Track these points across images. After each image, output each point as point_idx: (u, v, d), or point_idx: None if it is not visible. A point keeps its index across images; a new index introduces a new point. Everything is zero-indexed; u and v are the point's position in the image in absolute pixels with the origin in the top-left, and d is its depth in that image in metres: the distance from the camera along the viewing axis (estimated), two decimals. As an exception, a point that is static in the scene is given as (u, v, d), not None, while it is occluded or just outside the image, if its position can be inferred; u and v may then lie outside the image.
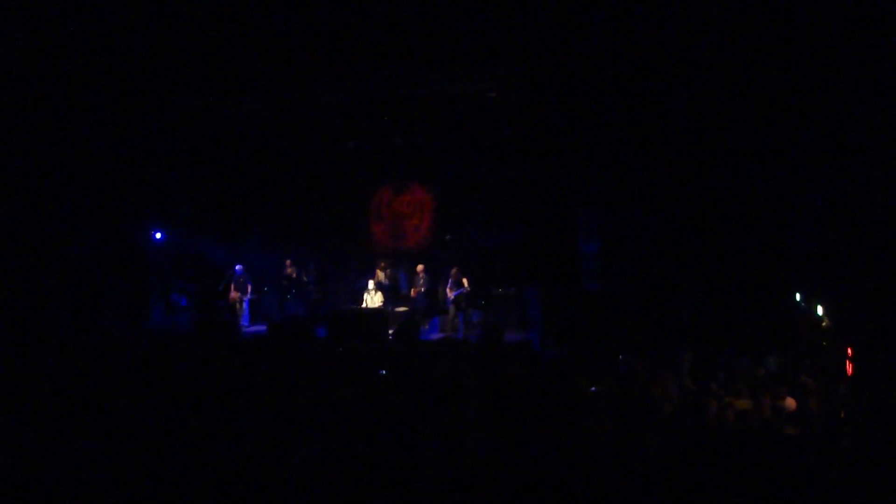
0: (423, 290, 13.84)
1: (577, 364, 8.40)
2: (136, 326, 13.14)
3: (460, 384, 5.59)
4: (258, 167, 15.41)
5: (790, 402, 6.81)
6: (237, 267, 14.11)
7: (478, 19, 10.17)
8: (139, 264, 14.36)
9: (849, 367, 7.45)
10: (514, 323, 13.38)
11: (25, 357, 7.66)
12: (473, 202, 14.65)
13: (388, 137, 14.38)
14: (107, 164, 13.15)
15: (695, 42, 9.65)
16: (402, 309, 13.40)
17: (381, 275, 14.22)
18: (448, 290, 13.22)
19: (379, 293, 13.36)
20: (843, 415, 6.80)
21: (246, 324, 14.08)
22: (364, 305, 13.26)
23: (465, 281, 13.03)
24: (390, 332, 12.22)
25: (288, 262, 14.82)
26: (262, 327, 13.50)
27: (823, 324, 8.81)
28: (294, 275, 14.75)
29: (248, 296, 14.18)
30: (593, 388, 6.73)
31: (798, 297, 9.88)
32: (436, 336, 13.02)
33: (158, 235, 14.86)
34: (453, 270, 13.21)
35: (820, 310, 8.97)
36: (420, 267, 13.98)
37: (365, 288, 13.53)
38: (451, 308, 13.18)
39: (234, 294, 13.94)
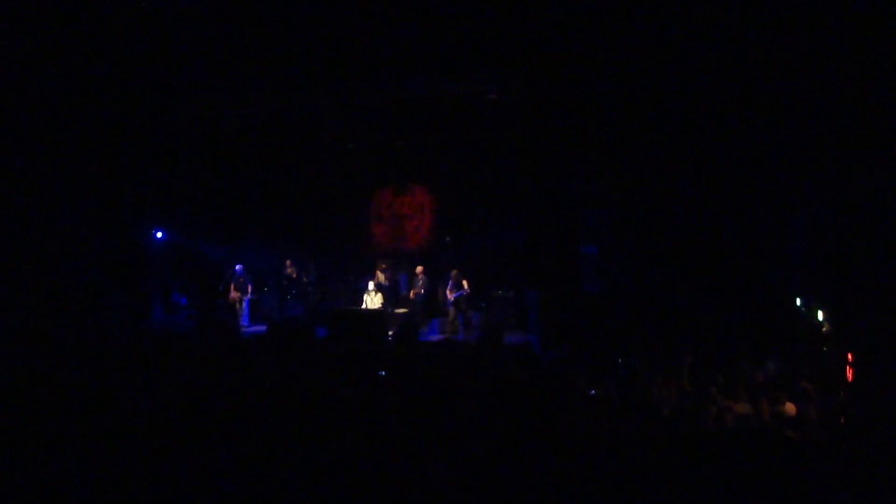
0: (422, 291, 13.85)
1: (576, 366, 8.41)
2: (135, 326, 13.13)
3: (460, 385, 5.59)
4: (259, 167, 15.43)
5: (790, 408, 6.80)
6: (237, 267, 14.11)
7: (479, 21, 10.18)
8: (139, 264, 14.37)
9: (849, 373, 7.45)
10: (514, 325, 13.38)
11: (25, 356, 7.66)
12: (474, 204, 14.66)
13: (388, 139, 14.40)
14: (107, 163, 13.16)
15: (695, 45, 9.65)
16: (401, 310, 13.41)
17: (381, 276, 14.23)
18: (448, 291, 13.22)
19: (379, 294, 13.36)
20: (842, 420, 6.79)
21: (246, 324, 14.08)
22: (364, 306, 13.26)
23: (464, 283, 13.03)
24: (390, 333, 12.23)
25: (288, 262, 14.83)
26: (262, 327, 13.50)
27: (824, 329, 8.80)
28: (294, 275, 14.76)
29: (248, 296, 14.19)
30: (593, 391, 6.73)
31: (798, 301, 9.87)
32: (435, 337, 13.01)
33: (159, 235, 14.88)
34: (453, 272, 13.21)
35: (820, 315, 8.97)
36: (419, 268, 13.99)
37: (365, 289, 13.53)
38: (451, 310, 13.17)
39: (233, 294, 13.94)
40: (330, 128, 14.22)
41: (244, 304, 14.15)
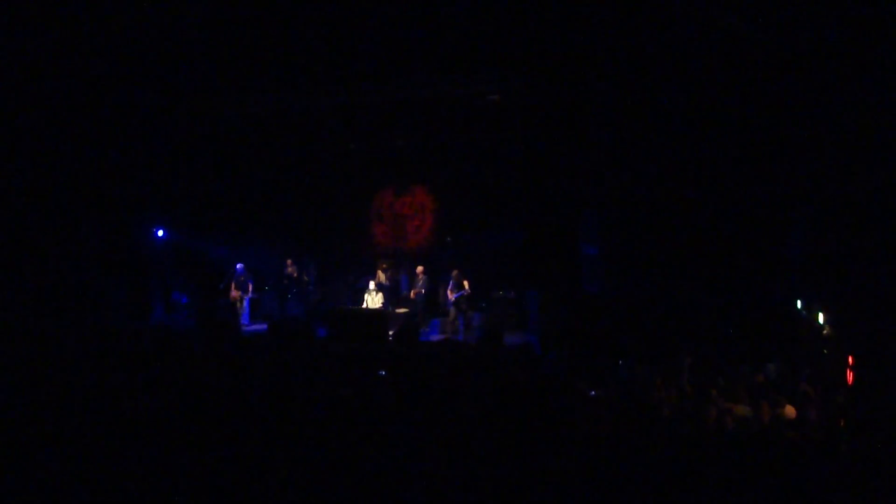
0: (422, 291, 13.86)
1: (576, 367, 8.40)
2: (136, 324, 13.13)
3: (460, 386, 5.59)
4: (260, 167, 15.44)
5: (790, 410, 6.80)
6: (238, 266, 14.12)
7: (480, 22, 10.19)
8: (140, 262, 14.37)
9: (849, 376, 7.45)
10: (515, 325, 13.39)
11: (26, 355, 7.66)
12: (474, 204, 14.67)
13: (389, 139, 14.41)
14: (108, 162, 13.16)
15: (696, 45, 9.65)
16: (402, 310, 13.42)
17: (381, 276, 14.24)
18: (449, 292, 13.23)
19: (379, 294, 13.37)
20: (842, 423, 6.79)
21: (246, 322, 14.09)
22: (364, 306, 13.27)
23: (465, 283, 13.03)
24: (390, 332, 12.23)
25: (289, 261, 14.84)
26: (263, 326, 13.50)
27: (824, 332, 8.80)
28: (295, 274, 14.76)
29: (249, 295, 14.19)
30: (593, 392, 6.73)
31: (799, 304, 9.87)
32: (436, 337, 13.02)
33: (160, 233, 14.88)
34: (454, 272, 13.22)
35: (821, 318, 8.97)
36: (419, 268, 14.01)
37: (365, 288, 13.53)
38: (452, 310, 13.18)
39: (234, 293, 13.94)
40: (331, 128, 14.24)
41: (245, 303, 14.16)
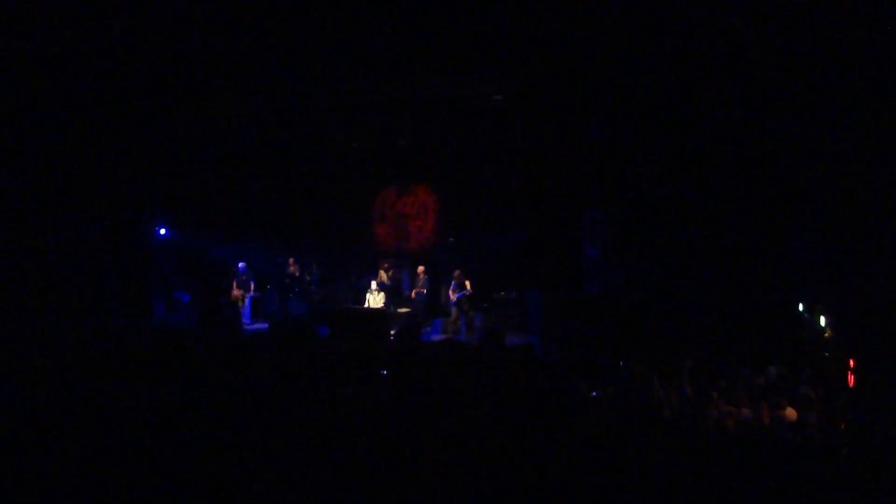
0: (423, 291, 13.87)
1: (578, 368, 8.40)
2: (138, 323, 13.15)
3: (461, 386, 5.60)
4: (263, 166, 15.45)
5: (791, 413, 6.79)
6: (240, 264, 14.13)
7: (484, 23, 10.19)
8: (142, 261, 14.39)
9: (850, 379, 7.45)
10: (516, 326, 13.39)
11: (27, 353, 7.67)
12: (477, 204, 14.67)
13: (392, 139, 14.41)
14: (110, 160, 13.18)
15: (697, 46, 9.65)
16: (403, 310, 13.43)
17: (383, 275, 14.25)
18: (450, 292, 13.24)
19: (381, 293, 13.38)
20: (843, 426, 6.78)
21: (247, 321, 14.10)
22: (366, 305, 13.28)
23: (467, 283, 13.04)
24: (392, 332, 12.24)
25: (291, 260, 14.86)
26: (264, 325, 13.52)
27: (826, 334, 8.80)
28: (297, 273, 14.78)
29: (251, 294, 14.21)
30: (594, 393, 6.74)
31: (801, 307, 9.87)
32: (437, 337, 13.03)
33: (162, 232, 14.90)
34: (456, 272, 13.23)
35: (822, 320, 8.96)
36: (420, 268, 14.02)
37: (367, 288, 13.54)
38: (454, 310, 13.19)
39: (236, 292, 13.96)
40: (334, 127, 14.24)
41: (246, 302, 14.18)
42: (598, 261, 12.28)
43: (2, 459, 4.06)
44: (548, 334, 11.68)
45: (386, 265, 14.63)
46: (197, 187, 15.01)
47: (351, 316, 12.82)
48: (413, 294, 13.97)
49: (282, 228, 15.73)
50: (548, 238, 13.07)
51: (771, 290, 10.56)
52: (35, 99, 11.50)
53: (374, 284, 13.55)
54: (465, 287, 13.00)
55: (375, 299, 13.27)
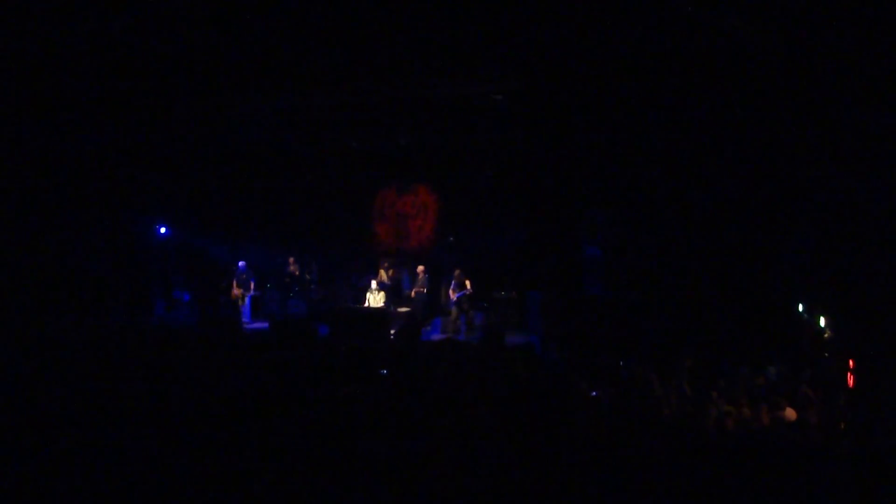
0: (423, 290, 13.87)
1: (578, 368, 8.41)
2: (138, 322, 13.16)
3: (461, 385, 5.60)
4: (263, 165, 15.45)
5: (790, 413, 6.80)
6: (240, 263, 14.13)
7: (484, 22, 10.18)
8: (142, 259, 14.40)
9: (850, 379, 7.45)
10: (516, 325, 13.40)
11: (26, 352, 7.68)
12: (477, 204, 14.68)
13: (392, 138, 14.42)
14: (111, 159, 13.18)
15: (698, 45, 9.65)
16: (403, 309, 13.43)
17: (383, 274, 14.25)
18: (451, 291, 13.24)
19: (381, 293, 13.38)
20: (843, 426, 6.79)
21: (247, 321, 14.10)
22: (366, 305, 13.28)
23: (467, 283, 13.04)
24: (392, 331, 12.24)
25: (291, 259, 14.86)
26: (264, 324, 13.52)
27: (825, 334, 8.80)
28: (297, 272, 14.78)
29: (251, 292, 14.21)
30: (594, 393, 6.74)
31: (800, 307, 9.87)
32: (437, 337, 13.03)
33: (162, 231, 14.90)
34: (456, 272, 13.23)
35: (822, 320, 8.97)
36: (420, 268, 14.02)
37: (367, 287, 13.55)
38: (454, 309, 13.19)
39: (236, 291, 13.96)
40: (334, 126, 14.24)
41: (246, 302, 14.18)
42: (599, 260, 12.29)
43: (2, 459, 4.06)
44: (548, 334, 11.68)
45: (386, 264, 14.63)
46: (197, 187, 15.01)
47: (351, 315, 12.82)
48: (413, 293, 13.98)
49: (282, 227, 15.73)
50: (548, 237, 13.06)
51: (770, 291, 10.57)
52: (35, 98, 11.49)
53: (374, 284, 13.55)
54: (465, 286, 13.01)
55: (375, 299, 13.28)
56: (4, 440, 4.31)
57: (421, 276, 13.95)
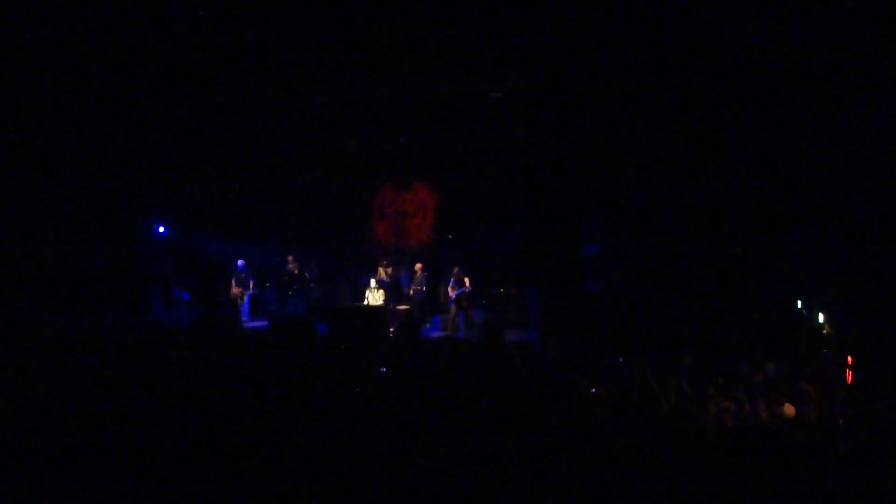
0: (421, 288, 13.88)
1: (577, 365, 8.41)
2: (137, 321, 13.16)
3: (461, 383, 5.60)
4: (262, 163, 15.44)
5: (789, 409, 6.81)
6: (239, 262, 14.13)
7: (483, 20, 10.18)
8: (140, 258, 14.39)
9: (849, 375, 7.46)
10: (515, 323, 13.41)
11: (26, 351, 7.68)
12: (476, 202, 14.69)
13: (392, 136, 14.41)
14: (110, 158, 13.17)
15: (698, 45, 9.65)
16: (403, 307, 13.44)
17: (382, 272, 14.25)
18: (450, 289, 13.25)
19: (381, 291, 13.39)
20: (841, 422, 6.80)
21: (246, 319, 14.10)
22: (365, 303, 13.28)
23: (466, 280, 13.05)
24: (391, 329, 12.25)
25: (290, 258, 14.85)
26: (263, 323, 13.53)
27: (824, 331, 8.81)
28: (296, 271, 14.78)
29: (250, 291, 14.21)
30: (594, 390, 6.74)
31: (799, 303, 9.88)
32: (437, 334, 13.04)
33: (161, 230, 14.89)
34: (455, 269, 13.25)
35: (821, 317, 8.98)
36: (418, 265, 14.03)
37: (367, 285, 13.55)
38: (453, 307, 13.21)
39: (235, 289, 13.96)
40: (333, 124, 14.23)
41: (245, 300, 14.18)
42: (598, 258, 12.29)
43: (1, 459, 4.06)
44: (547, 331, 11.69)
45: (385, 262, 14.63)
46: (196, 186, 15.00)
47: (350, 313, 12.83)
48: (411, 291, 13.99)
49: (281, 226, 15.72)
50: (547, 235, 13.07)
51: (769, 287, 10.58)
52: (34, 97, 11.48)
53: (373, 282, 13.56)
54: (464, 284, 13.02)
55: (375, 297, 13.28)
56: (4, 440, 4.31)
57: (419, 273, 13.95)
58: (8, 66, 10.71)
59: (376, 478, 3.84)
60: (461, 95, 12.55)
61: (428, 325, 13.46)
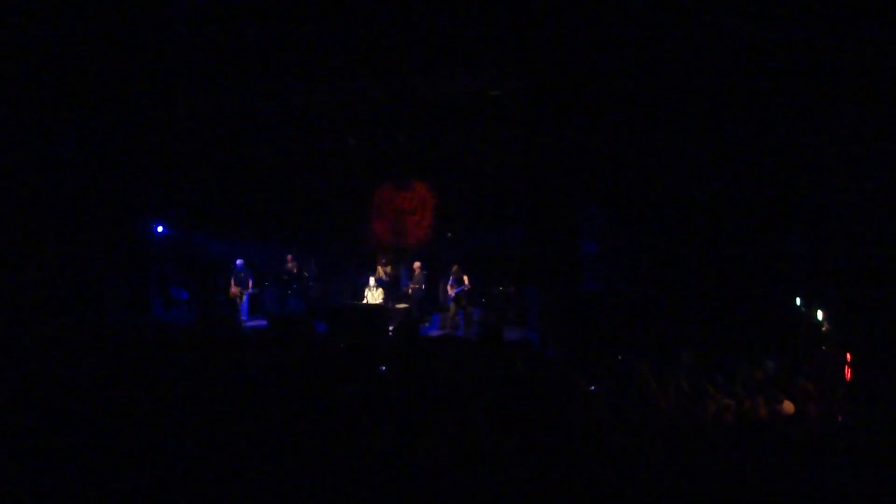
0: (420, 286, 13.88)
1: (576, 363, 8.42)
2: (136, 320, 13.15)
3: (460, 381, 5.60)
4: (260, 162, 15.43)
5: (788, 406, 6.82)
6: (238, 261, 14.13)
7: (482, 18, 10.17)
8: (139, 258, 14.38)
9: (848, 372, 7.47)
10: (514, 321, 13.42)
11: (25, 351, 7.67)
12: (475, 200, 14.68)
13: (389, 134, 14.40)
14: (109, 157, 13.15)
15: (698, 44, 9.65)
16: (402, 305, 13.45)
17: (381, 271, 14.25)
18: (448, 287, 13.26)
19: (380, 289, 13.39)
20: (841, 420, 6.81)
21: (245, 318, 14.10)
22: (364, 301, 13.29)
23: (465, 278, 13.06)
24: (390, 328, 12.25)
25: (289, 256, 14.85)
26: (262, 322, 13.53)
27: (823, 328, 8.82)
28: (295, 270, 14.78)
29: (249, 290, 14.21)
30: (593, 388, 6.76)
31: (798, 301, 9.89)
32: (436, 333, 13.05)
33: (159, 229, 14.88)
34: (454, 268, 13.25)
35: (820, 314, 8.99)
36: (416, 264, 14.03)
37: (366, 284, 13.55)
38: (452, 305, 13.21)
39: (234, 289, 13.96)
40: (331, 123, 14.22)
41: (244, 299, 14.18)
42: (597, 256, 12.29)
43: (1, 459, 4.06)
44: (546, 329, 11.70)
45: (384, 261, 14.63)
46: (194, 184, 14.98)
47: (349, 312, 12.83)
48: (410, 290, 13.99)
49: (279, 225, 15.71)
50: (546, 233, 13.08)
51: (769, 285, 10.59)
52: (34, 97, 11.46)
53: (372, 280, 13.56)
54: (463, 282, 13.03)
55: (374, 295, 13.28)
56: (4, 440, 4.31)
57: (418, 272, 13.95)
58: (8, 66, 10.69)
59: (375, 476, 3.84)
60: (460, 94, 12.54)
61: (427, 324, 13.47)
